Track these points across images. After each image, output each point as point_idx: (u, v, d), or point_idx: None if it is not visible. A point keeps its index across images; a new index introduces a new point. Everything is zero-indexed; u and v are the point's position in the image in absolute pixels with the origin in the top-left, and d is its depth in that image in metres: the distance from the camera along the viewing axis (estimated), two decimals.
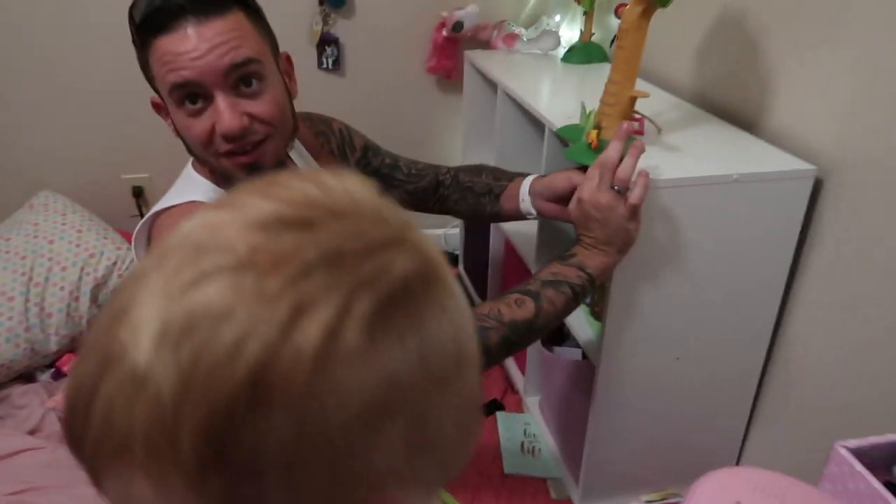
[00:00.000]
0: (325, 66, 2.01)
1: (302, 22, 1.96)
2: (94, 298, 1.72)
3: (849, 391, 1.11)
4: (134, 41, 0.88)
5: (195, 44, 0.82)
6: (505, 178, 1.21)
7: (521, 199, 1.14)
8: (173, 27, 0.82)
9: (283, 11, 1.91)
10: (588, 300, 1.34)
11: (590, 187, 0.97)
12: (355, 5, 1.98)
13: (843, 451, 0.65)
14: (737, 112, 1.33)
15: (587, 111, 1.13)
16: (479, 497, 1.43)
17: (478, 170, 1.28)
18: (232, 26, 0.84)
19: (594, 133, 1.05)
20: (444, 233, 2.36)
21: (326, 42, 1.98)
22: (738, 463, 1.39)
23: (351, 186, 0.35)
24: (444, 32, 1.98)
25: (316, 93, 2.01)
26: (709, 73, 1.42)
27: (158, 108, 0.94)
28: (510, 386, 1.76)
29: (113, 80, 1.90)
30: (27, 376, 1.68)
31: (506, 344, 0.93)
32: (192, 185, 0.97)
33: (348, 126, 1.24)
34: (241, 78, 0.85)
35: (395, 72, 2.09)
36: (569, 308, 0.97)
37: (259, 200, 0.32)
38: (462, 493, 1.44)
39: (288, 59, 0.98)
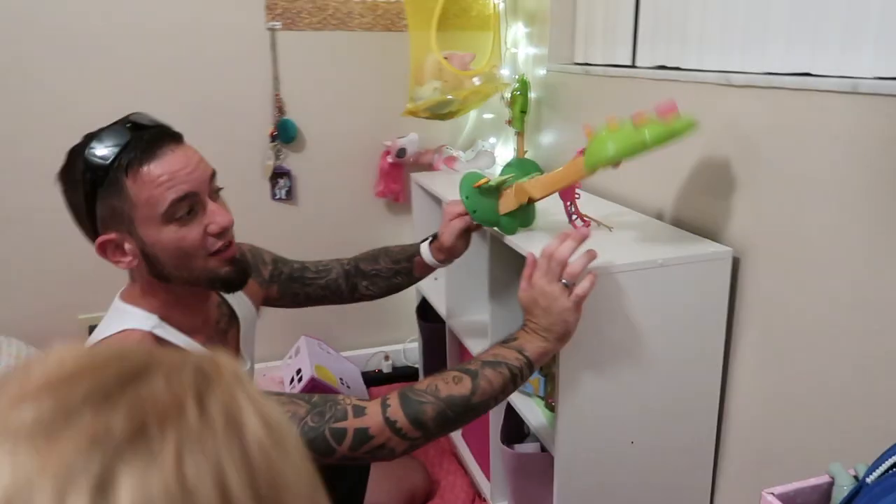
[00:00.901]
0: (278, 196, 2.12)
1: (255, 157, 2.08)
2: None
3: (792, 448, 1.15)
4: (85, 185, 0.94)
5: (185, 161, 0.96)
6: (404, 258, 1.40)
7: (429, 265, 1.38)
8: (158, 154, 0.95)
9: (238, 149, 2.04)
10: (542, 393, 1.38)
11: (541, 274, 1.05)
12: (305, 139, 2.12)
13: (770, 498, 0.69)
14: (649, 203, 1.45)
15: (507, 177, 1.32)
16: None
17: (374, 258, 1.43)
18: (191, 148, 1.00)
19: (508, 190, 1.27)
20: (404, 347, 2.40)
21: (279, 175, 2.10)
22: None
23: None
24: (389, 159, 2.12)
25: (271, 223, 2.11)
26: (623, 175, 1.56)
27: (107, 246, 0.99)
28: (477, 493, 1.74)
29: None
30: None
31: (442, 419, 0.96)
32: (126, 315, 1.03)
33: (253, 246, 1.35)
34: (215, 189, 1.02)
35: (346, 198, 2.21)
36: (506, 389, 1.02)
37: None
38: None
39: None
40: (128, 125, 0.96)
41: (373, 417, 0.95)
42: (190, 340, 1.06)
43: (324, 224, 2.20)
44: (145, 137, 0.95)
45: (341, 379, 2.08)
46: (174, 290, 1.04)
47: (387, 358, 2.37)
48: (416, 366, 2.33)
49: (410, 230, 2.23)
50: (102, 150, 0.93)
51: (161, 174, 0.94)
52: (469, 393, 0.98)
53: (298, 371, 2.04)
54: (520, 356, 1.03)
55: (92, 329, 2.03)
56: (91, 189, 0.94)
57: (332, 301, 1.43)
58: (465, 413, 0.99)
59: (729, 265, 1.23)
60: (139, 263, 1.00)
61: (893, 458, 0.66)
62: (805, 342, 1.10)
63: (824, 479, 0.73)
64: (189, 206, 0.97)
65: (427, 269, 1.40)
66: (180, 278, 1.01)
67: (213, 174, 1.02)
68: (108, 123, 0.99)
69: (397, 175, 2.18)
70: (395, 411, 0.95)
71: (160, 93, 1.95)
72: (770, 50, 1.16)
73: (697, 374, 1.27)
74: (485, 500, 1.70)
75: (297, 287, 1.38)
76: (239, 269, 1.06)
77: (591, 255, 1.07)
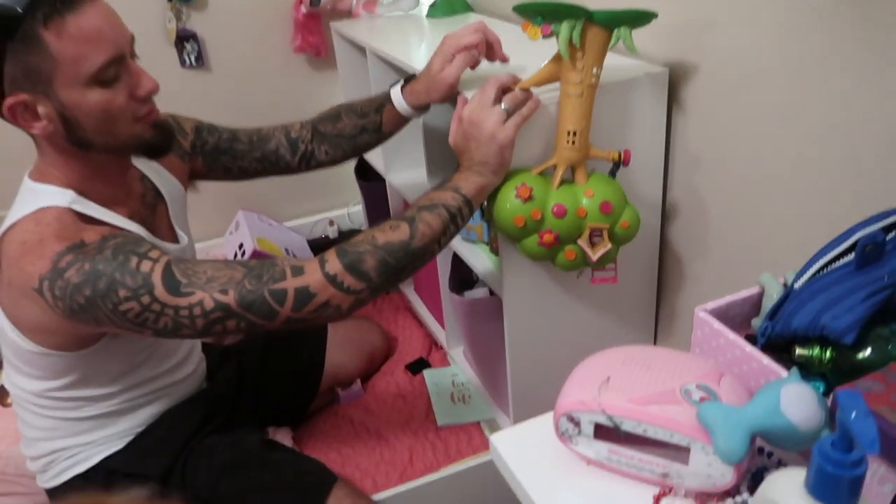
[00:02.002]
0: (187, 63, 1.95)
1: (154, 21, 1.89)
2: None
3: (726, 269, 1.18)
4: None
5: (108, 18, 0.89)
6: (371, 111, 1.25)
7: (402, 114, 1.22)
8: (78, 5, 0.85)
9: (132, 12, 1.84)
10: (486, 239, 1.37)
11: (473, 104, 1.00)
12: None
13: (703, 314, 0.69)
14: None
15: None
16: (415, 454, 1.45)
17: (335, 116, 1.30)
18: (108, 5, 0.91)
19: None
20: (348, 211, 2.35)
21: (184, 38, 1.92)
22: None
23: None
24: (303, 9, 1.95)
25: (182, 92, 1.96)
26: None
27: (17, 109, 0.89)
28: (434, 343, 1.78)
29: None
30: None
31: (383, 267, 0.93)
32: (39, 195, 0.96)
33: (174, 115, 1.23)
34: (133, 50, 0.95)
35: (262, 57, 2.05)
36: (447, 230, 0.98)
37: None
38: (399, 454, 1.45)
39: None
40: None
41: (312, 275, 0.91)
42: (112, 213, 0.99)
43: (242, 88, 2.05)
44: None
45: (286, 249, 2.04)
46: (92, 159, 0.97)
47: (332, 223, 2.32)
48: (363, 228, 2.30)
49: (337, 85, 2.10)
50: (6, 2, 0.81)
51: (89, 30, 0.86)
52: (408, 238, 0.95)
53: (241, 245, 1.99)
54: (456, 195, 0.99)
55: None
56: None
57: (276, 173, 1.33)
58: (406, 259, 0.95)
59: (665, 85, 1.18)
60: (54, 129, 0.91)
61: (820, 261, 0.66)
62: (739, 153, 1.09)
63: (755, 290, 0.73)
64: (116, 68, 0.90)
65: (400, 121, 1.25)
66: (103, 144, 0.94)
67: (132, 37, 0.94)
68: None
69: (315, 26, 2.01)
70: (334, 265, 0.91)
71: None
72: None
73: (639, 193, 1.25)
74: (441, 347, 1.74)
75: (226, 160, 1.28)
76: (163, 132, 1.01)
77: (537, 101, 1.02)
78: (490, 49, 1.13)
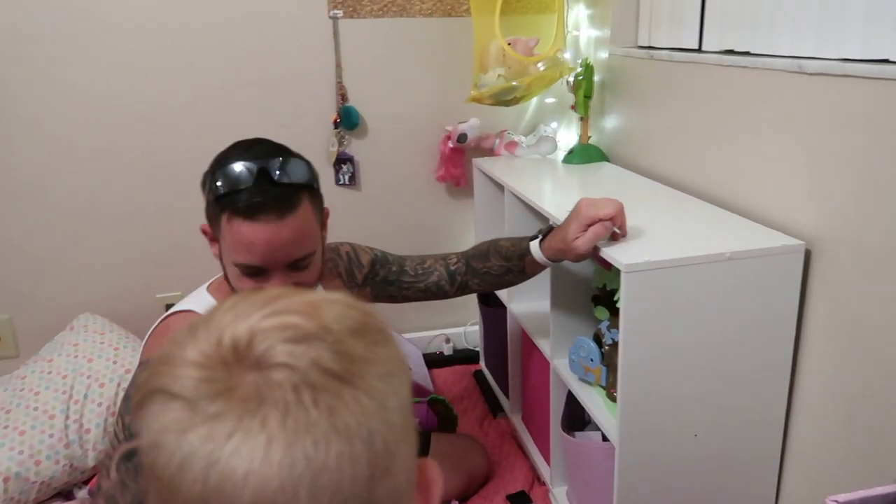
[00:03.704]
0: (341, 182, 2.17)
1: (319, 144, 2.13)
2: None
3: (856, 459, 1.13)
4: (203, 185, 1.05)
5: (270, 240, 0.99)
6: (515, 256, 1.34)
7: (541, 263, 1.31)
8: (255, 217, 0.99)
9: (302, 137, 2.09)
10: (604, 383, 1.38)
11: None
12: (367, 126, 2.15)
13: None
14: (716, 193, 1.42)
15: None
16: None
17: (485, 254, 1.39)
18: (300, 222, 1.02)
19: None
20: (464, 330, 2.43)
21: (342, 161, 2.15)
22: None
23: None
24: (451, 144, 2.13)
25: (335, 208, 2.14)
26: (687, 163, 1.52)
27: (206, 232, 1.11)
28: (537, 477, 1.76)
29: (147, 204, 2.07)
30: (65, 494, 1.73)
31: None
32: (202, 301, 1.14)
33: (354, 246, 1.38)
34: (297, 263, 1.05)
35: (408, 183, 2.24)
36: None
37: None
38: None
39: (328, 213, 1.16)
40: (259, 167, 1.00)
41: None
42: None
43: (386, 208, 2.24)
44: (257, 197, 0.98)
45: None
46: None
47: (447, 341, 2.40)
48: (477, 349, 2.36)
49: (471, 214, 2.24)
50: (222, 180, 1.00)
51: (242, 237, 1.00)
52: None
53: None
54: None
55: (168, 307, 2.15)
56: (206, 191, 1.05)
57: (433, 299, 1.44)
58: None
59: (801, 259, 1.20)
60: (220, 264, 1.11)
61: None
62: (879, 343, 1.07)
63: (892, 488, 0.71)
64: (254, 272, 1.03)
65: (540, 267, 1.33)
66: None
67: (299, 259, 1.04)
68: (249, 140, 1.07)
69: (458, 160, 2.19)
70: None
71: (226, 84, 2.02)
72: (846, 34, 1.12)
73: (765, 370, 1.25)
74: (544, 484, 1.72)
75: (393, 290, 1.39)
76: None
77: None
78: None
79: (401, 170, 2.22)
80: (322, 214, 1.12)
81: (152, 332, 1.14)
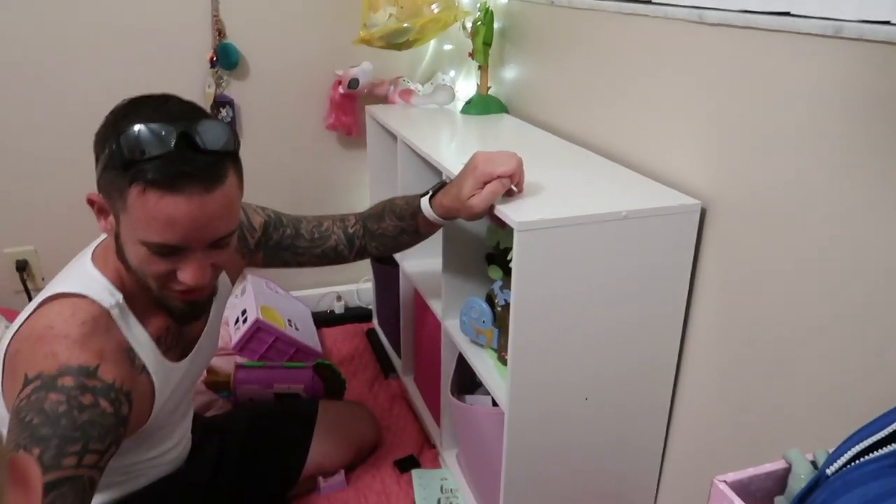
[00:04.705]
0: None
1: (194, 85, 1.93)
2: None
3: (744, 416, 1.13)
4: (101, 148, 0.87)
5: (195, 217, 0.85)
6: (408, 215, 1.25)
7: (433, 221, 1.22)
8: (177, 190, 0.83)
9: (174, 75, 1.88)
10: (495, 346, 1.33)
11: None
12: (248, 66, 1.97)
13: (722, 486, 0.65)
14: (615, 149, 1.38)
15: None
16: None
17: (380, 215, 1.30)
18: (227, 195, 0.88)
19: None
20: (357, 288, 2.33)
21: (220, 104, 1.95)
22: (655, 497, 1.38)
23: None
24: (341, 90, 1.99)
25: None
26: (587, 116, 1.47)
27: (94, 203, 0.94)
28: (427, 440, 1.71)
29: None
30: None
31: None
32: (88, 280, 0.96)
33: (244, 207, 1.22)
34: (220, 241, 0.92)
35: (294, 131, 2.08)
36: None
37: None
38: None
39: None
40: (180, 132, 0.84)
41: None
42: (142, 332, 1.00)
43: (270, 158, 2.08)
44: (181, 166, 0.83)
45: (289, 320, 2.01)
46: None
47: (339, 298, 2.30)
48: (370, 307, 2.27)
49: (364, 165, 2.12)
50: (130, 144, 0.83)
51: (163, 213, 0.84)
52: None
53: (244, 312, 1.96)
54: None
55: (19, 263, 1.91)
56: (104, 156, 0.87)
57: (331, 264, 1.33)
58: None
59: (697, 218, 1.17)
60: (111, 240, 0.95)
61: (856, 447, 0.62)
62: (769, 303, 1.06)
63: (780, 465, 0.69)
64: (169, 251, 0.89)
65: (434, 227, 1.25)
66: (137, 280, 0.95)
67: (222, 237, 0.91)
68: (153, 96, 0.89)
69: (350, 107, 2.04)
70: None
71: (85, 17, 1.76)
72: None
73: (656, 332, 1.23)
74: (434, 447, 1.67)
75: (287, 255, 1.28)
76: (194, 309, 0.99)
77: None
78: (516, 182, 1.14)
79: (287, 116, 2.05)
80: (243, 185, 0.97)
81: (29, 319, 0.93)
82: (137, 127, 0.83)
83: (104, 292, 0.95)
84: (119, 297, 0.96)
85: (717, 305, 1.17)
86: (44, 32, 1.75)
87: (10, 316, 1.76)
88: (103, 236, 1.04)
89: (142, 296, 0.98)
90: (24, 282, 1.94)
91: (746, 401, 1.13)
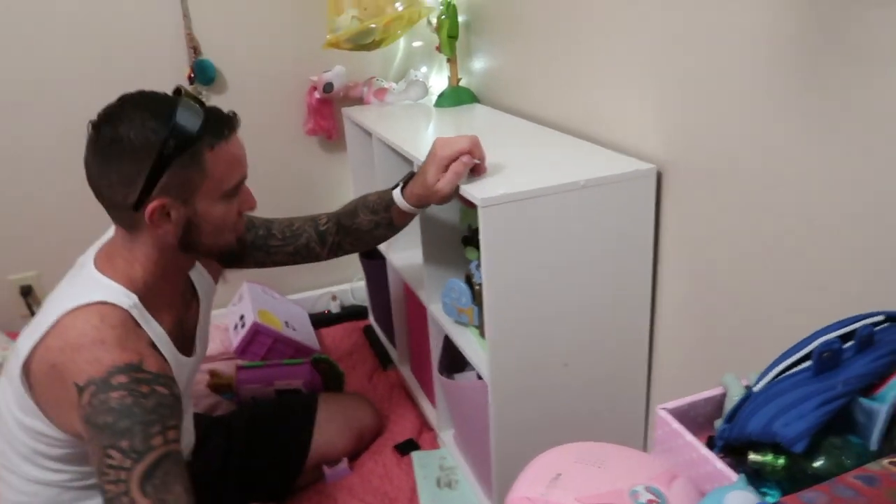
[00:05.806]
0: None
1: None
2: None
3: (714, 364, 1.18)
4: (164, 150, 0.94)
5: (244, 151, 1.06)
6: (381, 208, 1.31)
7: (407, 211, 1.28)
8: (229, 135, 1.01)
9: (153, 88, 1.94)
10: (476, 323, 1.38)
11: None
12: (225, 80, 2.03)
13: (663, 413, 0.70)
14: (574, 125, 1.43)
15: None
16: None
17: (354, 211, 1.35)
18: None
19: None
20: (351, 287, 2.38)
21: None
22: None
23: None
24: (317, 95, 2.04)
25: None
26: (547, 97, 1.52)
27: (157, 211, 0.98)
28: (425, 424, 1.76)
29: None
30: None
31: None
32: (102, 288, 1.01)
33: None
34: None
35: (276, 139, 2.14)
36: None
37: None
38: None
39: None
40: (196, 99, 1.01)
41: None
42: (158, 327, 1.06)
43: (255, 167, 2.10)
44: (219, 117, 1.00)
45: (287, 322, 2.06)
46: (170, 261, 1.06)
47: (334, 298, 2.35)
48: (365, 304, 2.32)
49: (346, 167, 2.17)
50: (190, 121, 0.95)
51: (234, 155, 1.02)
52: None
53: (241, 317, 2.02)
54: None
55: (23, 289, 1.98)
56: (169, 155, 0.95)
57: (305, 262, 1.39)
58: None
59: (653, 182, 1.21)
60: (174, 232, 1.02)
61: (780, 365, 0.67)
62: (727, 255, 1.11)
63: (718, 390, 0.73)
64: (238, 188, 1.05)
65: (407, 217, 1.31)
66: (206, 247, 1.07)
67: None
68: (128, 100, 0.99)
69: (327, 111, 2.10)
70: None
71: (62, 45, 1.83)
72: None
73: (627, 293, 1.28)
74: (432, 429, 1.73)
75: (260, 255, 1.34)
76: (241, 244, 1.15)
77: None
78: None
79: (267, 125, 2.11)
80: None
81: (53, 333, 0.96)
82: (177, 113, 0.94)
83: (121, 296, 1.00)
84: (134, 298, 1.02)
85: (682, 262, 1.22)
86: (30, 55, 1.82)
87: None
88: (93, 250, 1.09)
89: (158, 288, 1.06)
90: (29, 306, 2.01)
91: (718, 349, 1.17)
